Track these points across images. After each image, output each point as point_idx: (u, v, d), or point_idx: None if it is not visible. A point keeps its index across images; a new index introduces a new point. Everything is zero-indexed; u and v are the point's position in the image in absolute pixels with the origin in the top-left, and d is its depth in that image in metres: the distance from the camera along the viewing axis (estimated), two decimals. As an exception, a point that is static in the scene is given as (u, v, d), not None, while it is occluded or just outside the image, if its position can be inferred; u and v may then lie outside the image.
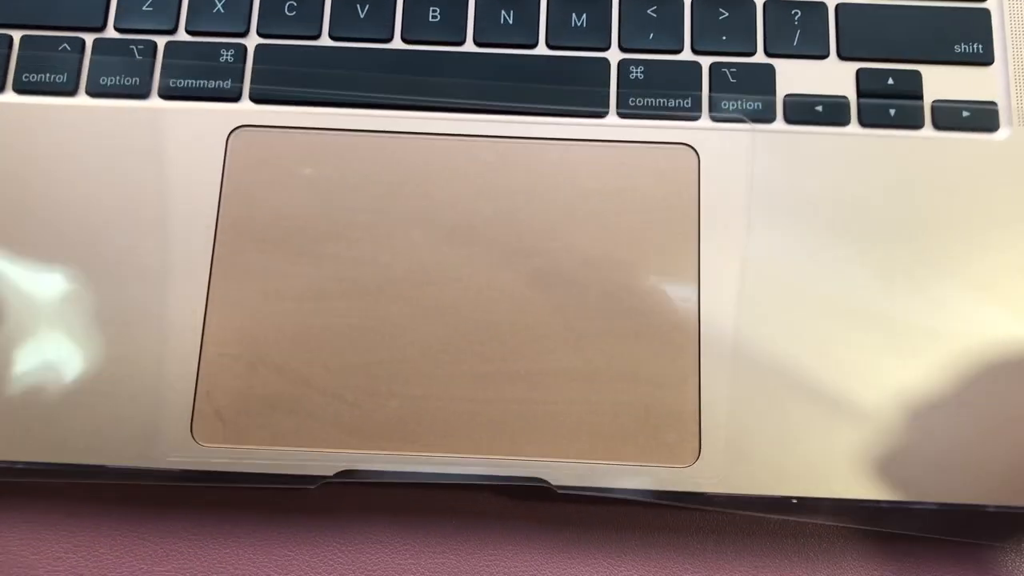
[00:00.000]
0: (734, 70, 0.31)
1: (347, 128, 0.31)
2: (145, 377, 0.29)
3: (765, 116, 0.31)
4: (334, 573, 0.30)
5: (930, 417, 0.29)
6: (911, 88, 0.31)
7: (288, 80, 0.31)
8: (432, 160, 0.30)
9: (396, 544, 0.30)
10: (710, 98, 0.31)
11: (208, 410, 0.28)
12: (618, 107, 0.31)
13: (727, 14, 0.32)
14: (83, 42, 0.32)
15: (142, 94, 0.31)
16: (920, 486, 0.28)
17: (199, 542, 0.30)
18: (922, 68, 0.32)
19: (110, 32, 0.32)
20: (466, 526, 0.30)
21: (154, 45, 0.32)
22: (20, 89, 0.31)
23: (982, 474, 0.28)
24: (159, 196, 0.30)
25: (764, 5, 0.32)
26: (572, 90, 0.31)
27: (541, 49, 0.32)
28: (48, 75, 0.31)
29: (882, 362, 0.29)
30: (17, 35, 0.32)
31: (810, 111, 0.31)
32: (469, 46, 0.32)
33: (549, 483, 0.28)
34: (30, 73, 0.31)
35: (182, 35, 0.32)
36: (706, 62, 0.32)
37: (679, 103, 0.31)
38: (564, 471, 0.28)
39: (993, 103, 0.31)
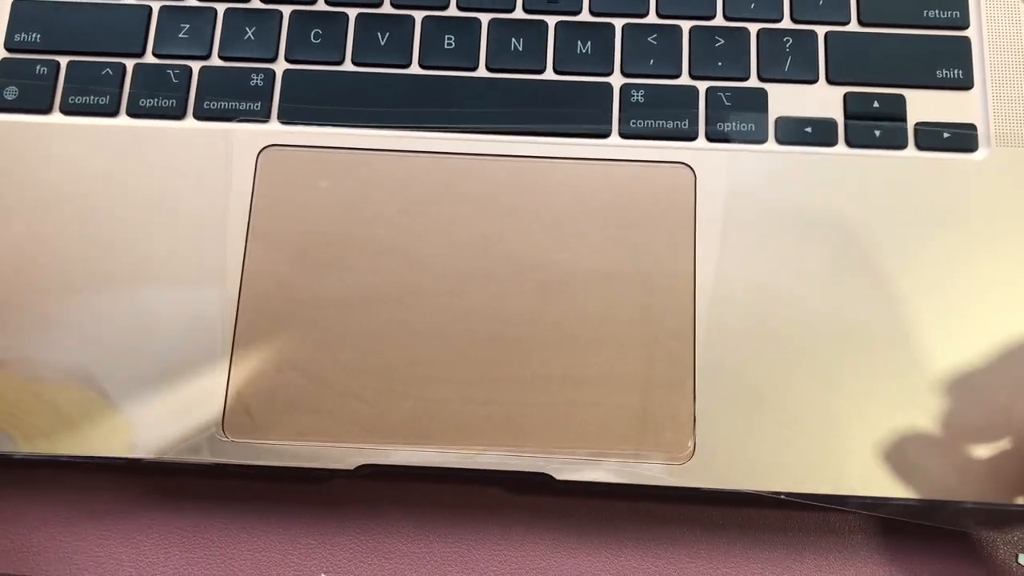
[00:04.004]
0: (729, 94, 0.33)
1: (368, 147, 0.33)
2: (181, 378, 0.31)
3: (758, 137, 0.33)
4: (354, 561, 0.32)
5: (911, 419, 0.30)
6: (895, 111, 0.33)
7: (314, 102, 0.33)
8: (446, 178, 0.33)
9: (410, 534, 0.32)
10: (706, 120, 0.33)
11: (238, 408, 0.31)
12: (620, 128, 0.33)
13: (723, 41, 0.34)
14: (124, 67, 0.34)
15: (178, 115, 0.33)
16: (902, 482, 0.30)
17: (229, 532, 0.32)
18: (906, 92, 0.33)
19: (149, 58, 0.34)
20: (476, 518, 0.32)
21: (189, 70, 0.34)
22: (66, 111, 0.33)
23: (961, 472, 0.30)
24: (194, 210, 0.32)
25: (758, 33, 0.34)
26: (577, 112, 0.33)
27: (548, 74, 0.34)
28: (92, 97, 0.34)
29: (866, 367, 0.31)
30: (64, 61, 0.34)
31: (800, 132, 0.33)
32: (482, 71, 0.34)
33: (552, 475, 0.30)
34: (75, 96, 0.34)
35: (215, 60, 0.34)
36: (703, 86, 0.34)
37: (677, 124, 0.33)
38: (566, 465, 0.30)
39: (972, 125, 0.33)
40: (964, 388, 0.31)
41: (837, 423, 0.30)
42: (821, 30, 0.34)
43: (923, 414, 0.30)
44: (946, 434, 0.30)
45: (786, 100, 0.33)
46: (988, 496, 0.30)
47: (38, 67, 0.34)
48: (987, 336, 0.31)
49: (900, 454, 0.30)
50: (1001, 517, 0.32)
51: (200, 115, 0.33)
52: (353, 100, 0.33)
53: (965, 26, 0.34)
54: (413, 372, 0.31)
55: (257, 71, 0.34)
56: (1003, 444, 0.30)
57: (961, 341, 0.31)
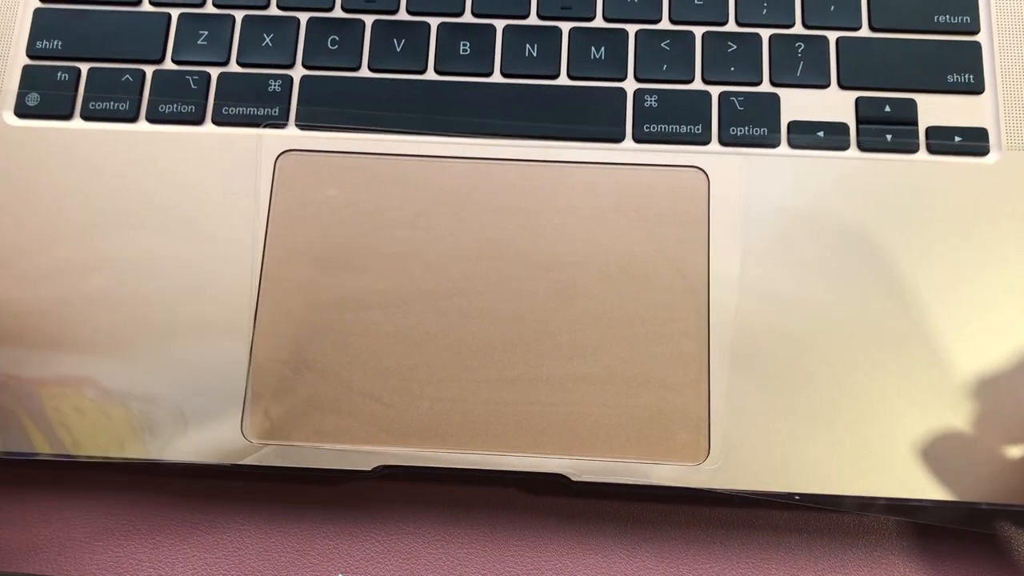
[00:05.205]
0: (741, 99, 0.34)
1: (384, 152, 0.33)
2: (200, 380, 0.31)
3: (770, 141, 0.33)
4: (371, 561, 0.32)
5: (924, 420, 0.31)
6: (907, 115, 0.34)
7: (331, 108, 0.34)
8: (462, 182, 0.33)
9: (427, 535, 0.32)
10: (719, 124, 0.34)
11: (257, 409, 0.31)
12: (634, 133, 0.34)
13: (735, 47, 0.34)
14: (144, 73, 0.34)
15: (197, 120, 0.34)
16: (916, 485, 0.30)
17: (248, 532, 0.32)
18: (917, 96, 0.34)
19: (168, 64, 0.35)
20: (492, 519, 0.33)
21: (208, 76, 0.34)
22: (87, 116, 0.34)
23: (977, 474, 0.30)
24: (213, 214, 0.33)
25: (770, 38, 0.34)
26: (591, 117, 0.34)
27: (563, 80, 0.34)
28: (112, 103, 0.34)
29: (879, 369, 0.31)
30: (85, 67, 0.34)
31: (812, 136, 0.33)
32: (496, 77, 0.34)
33: (568, 477, 0.30)
34: (96, 102, 0.34)
35: (234, 67, 0.35)
36: (715, 91, 0.34)
37: (690, 129, 0.34)
38: (582, 467, 0.30)
39: (983, 129, 0.33)
40: (974, 395, 0.31)
41: (851, 425, 0.31)
42: (833, 35, 0.34)
43: (937, 414, 0.31)
44: (956, 440, 0.30)
45: (798, 105, 0.34)
46: (1009, 498, 0.30)
47: (59, 74, 0.34)
48: (1001, 339, 0.31)
49: (914, 456, 0.30)
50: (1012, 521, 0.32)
51: (218, 121, 0.34)
52: (370, 105, 0.34)
53: (975, 31, 0.34)
54: (430, 374, 0.31)
55: (275, 77, 0.34)
56: None
57: (973, 344, 0.31)
